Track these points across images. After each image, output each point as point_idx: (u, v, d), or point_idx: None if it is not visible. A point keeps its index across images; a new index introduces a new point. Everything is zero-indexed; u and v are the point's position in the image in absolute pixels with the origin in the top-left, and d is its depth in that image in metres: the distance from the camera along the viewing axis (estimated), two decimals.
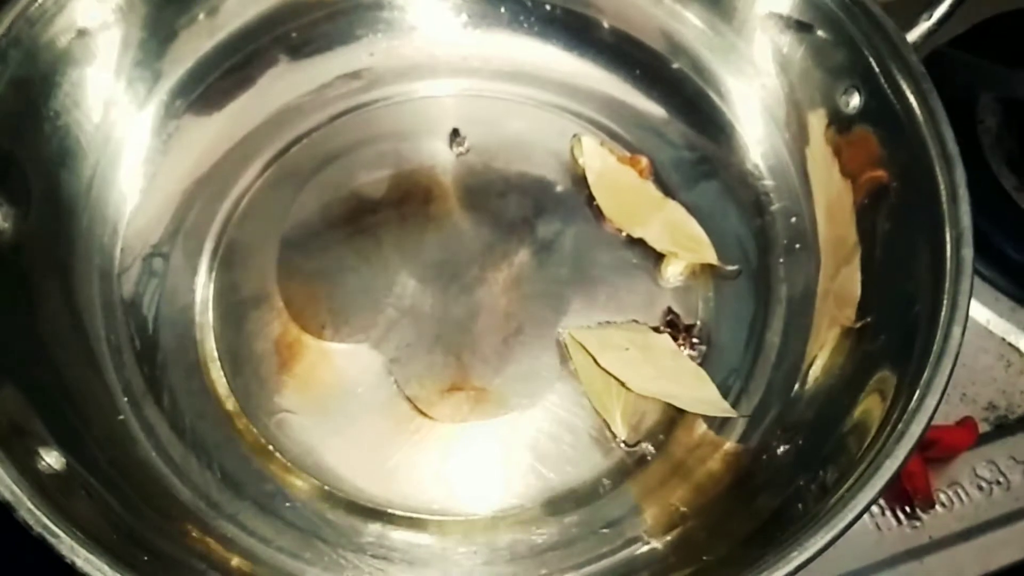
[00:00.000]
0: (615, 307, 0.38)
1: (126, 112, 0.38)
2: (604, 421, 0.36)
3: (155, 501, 0.31)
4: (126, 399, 0.34)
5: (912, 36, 0.35)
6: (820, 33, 0.38)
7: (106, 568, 0.24)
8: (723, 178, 0.41)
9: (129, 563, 0.25)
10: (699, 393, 0.36)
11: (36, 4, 0.34)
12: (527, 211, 0.40)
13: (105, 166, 0.37)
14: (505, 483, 0.35)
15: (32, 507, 0.25)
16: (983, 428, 0.41)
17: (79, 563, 0.24)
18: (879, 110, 0.35)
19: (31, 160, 0.34)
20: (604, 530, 0.34)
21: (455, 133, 0.42)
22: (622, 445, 0.36)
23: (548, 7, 0.43)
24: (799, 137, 0.40)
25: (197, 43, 0.40)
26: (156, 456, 0.33)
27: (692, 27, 0.41)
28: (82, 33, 0.36)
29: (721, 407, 0.36)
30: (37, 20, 0.34)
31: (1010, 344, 0.43)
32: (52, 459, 0.28)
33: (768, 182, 0.41)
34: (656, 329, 0.38)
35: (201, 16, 0.39)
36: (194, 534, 0.31)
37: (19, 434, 0.28)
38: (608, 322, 0.38)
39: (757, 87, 0.41)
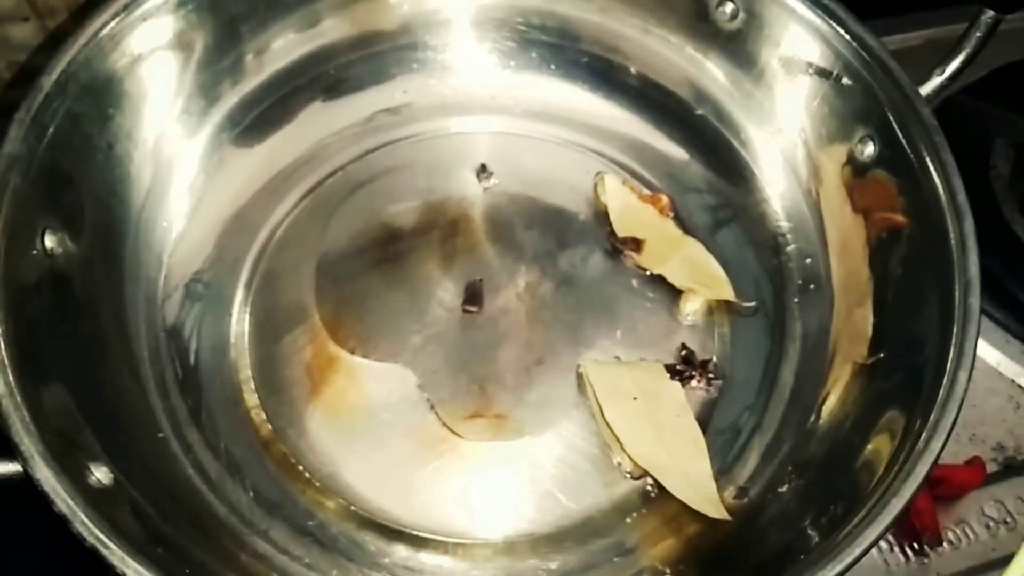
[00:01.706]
0: (632, 341, 0.40)
1: (175, 143, 0.40)
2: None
3: (193, 517, 0.33)
4: (167, 419, 0.36)
5: (925, 90, 0.37)
6: (840, 82, 0.39)
7: None
8: (741, 219, 0.43)
9: (173, 573, 0.26)
10: (692, 472, 0.36)
11: (94, 40, 0.36)
12: (550, 245, 0.42)
13: (153, 195, 0.39)
14: (523, 508, 0.36)
15: (85, 519, 0.26)
16: (991, 468, 0.41)
17: (129, 573, 0.26)
18: (893, 160, 0.37)
19: (85, 188, 0.36)
20: (618, 558, 0.35)
21: (483, 168, 0.44)
22: (627, 476, 0.37)
23: (577, 52, 0.45)
24: (815, 180, 0.41)
25: (244, 81, 0.42)
26: (194, 474, 0.35)
27: (714, 76, 0.43)
28: (137, 68, 0.38)
29: (704, 498, 0.35)
30: (95, 55, 0.36)
31: (1019, 386, 0.44)
32: (101, 474, 0.30)
33: (785, 224, 0.42)
34: (671, 368, 0.39)
35: (249, 56, 0.41)
36: (230, 549, 0.33)
37: (72, 449, 0.29)
38: (623, 359, 0.39)
39: (775, 133, 0.42)
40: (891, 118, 0.37)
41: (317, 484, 0.36)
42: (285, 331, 0.39)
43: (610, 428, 0.37)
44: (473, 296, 0.40)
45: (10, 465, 0.28)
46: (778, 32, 0.41)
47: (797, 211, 0.42)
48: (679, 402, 0.38)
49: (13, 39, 0.44)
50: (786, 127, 0.42)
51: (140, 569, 0.26)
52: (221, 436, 0.36)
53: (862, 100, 0.38)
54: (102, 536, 0.26)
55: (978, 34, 0.36)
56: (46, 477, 0.27)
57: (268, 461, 0.36)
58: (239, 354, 0.38)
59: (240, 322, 0.39)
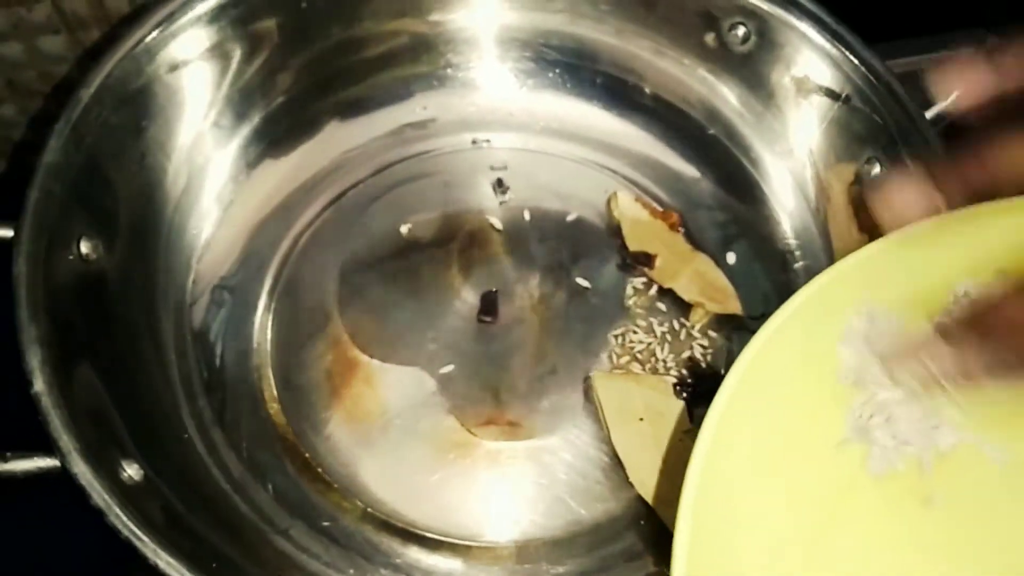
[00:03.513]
0: (642, 353, 0.41)
1: (206, 154, 0.42)
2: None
3: (219, 515, 0.34)
4: (193, 420, 0.37)
5: (930, 113, 0.38)
6: (848, 104, 0.40)
7: (185, 571, 0.27)
8: (750, 236, 0.44)
9: (204, 568, 0.27)
10: None
11: (130, 54, 0.37)
12: (564, 257, 0.43)
13: (184, 203, 0.41)
14: (535, 513, 0.37)
15: (120, 512, 0.28)
16: None
17: (161, 565, 0.27)
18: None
19: (119, 196, 0.37)
20: (626, 563, 0.36)
21: (499, 182, 0.45)
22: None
23: (593, 73, 0.46)
24: (823, 199, 0.42)
25: (273, 95, 0.43)
26: (218, 473, 0.36)
27: (725, 97, 0.45)
28: (171, 81, 0.39)
29: None
30: (131, 68, 0.37)
31: None
32: (133, 471, 0.31)
33: (793, 241, 0.43)
34: (680, 381, 0.40)
35: (279, 72, 0.43)
36: (253, 546, 0.34)
37: (106, 446, 0.31)
38: (633, 372, 0.40)
39: (785, 153, 0.44)
40: (897, 140, 0.38)
41: (335, 486, 0.37)
42: (307, 337, 0.40)
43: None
44: (489, 306, 0.41)
45: (49, 460, 0.29)
46: (788, 55, 0.42)
47: (805, 229, 0.43)
48: (685, 425, 0.38)
49: (45, 51, 0.45)
50: (795, 147, 0.43)
51: (171, 561, 0.27)
52: (244, 438, 0.37)
53: (869, 122, 0.39)
54: (135, 529, 0.27)
55: None
56: (83, 472, 0.28)
57: (288, 463, 0.37)
58: (262, 358, 0.40)
59: (263, 327, 0.40)
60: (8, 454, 0.29)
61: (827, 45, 0.40)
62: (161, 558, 0.27)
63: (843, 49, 0.40)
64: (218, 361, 0.39)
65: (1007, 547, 0.29)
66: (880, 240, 0.29)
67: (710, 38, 0.44)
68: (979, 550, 0.29)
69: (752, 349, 0.28)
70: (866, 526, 0.29)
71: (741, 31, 0.43)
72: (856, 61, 0.39)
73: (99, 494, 0.28)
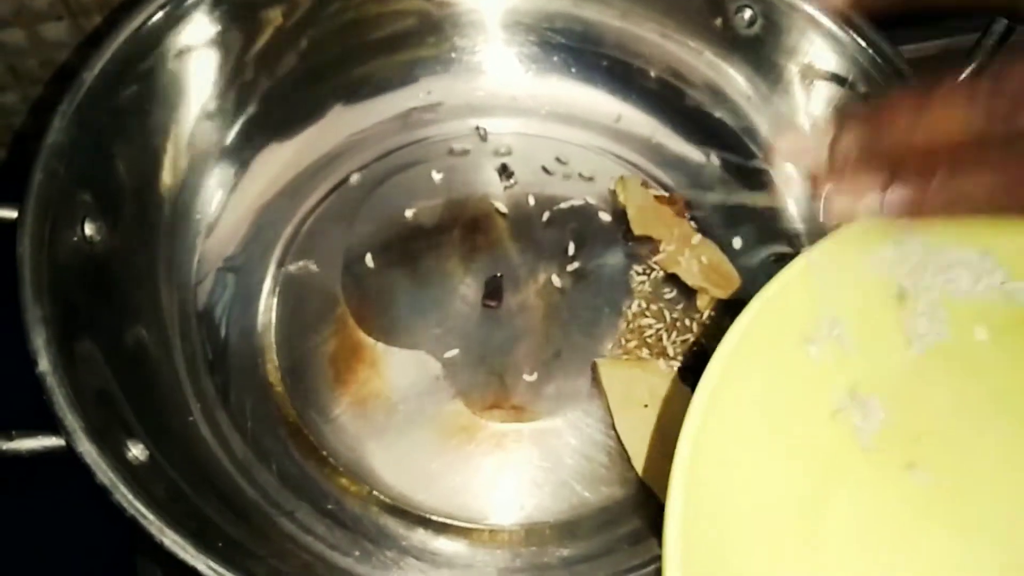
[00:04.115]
0: (647, 339, 0.41)
1: (209, 137, 0.41)
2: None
3: (223, 496, 0.34)
4: (197, 401, 0.37)
5: None
6: (855, 89, 0.40)
7: (191, 548, 0.27)
8: (756, 220, 0.44)
9: (209, 547, 0.27)
10: None
11: (134, 37, 0.37)
12: (569, 243, 0.43)
13: (188, 186, 0.40)
14: (540, 497, 0.37)
15: (125, 491, 0.28)
16: None
17: (167, 543, 0.27)
18: None
19: (123, 179, 0.37)
20: (631, 546, 0.36)
21: (504, 167, 0.45)
22: None
23: (598, 56, 0.46)
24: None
25: (277, 79, 0.43)
26: (223, 455, 0.36)
27: (731, 80, 0.44)
28: (175, 64, 0.39)
29: None
30: (135, 52, 0.37)
31: None
32: (138, 451, 0.31)
33: (799, 225, 0.43)
34: (685, 366, 0.40)
35: (283, 55, 0.43)
36: (259, 527, 0.34)
37: (111, 426, 0.30)
38: (637, 357, 0.40)
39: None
40: None
41: (341, 469, 0.37)
42: (311, 320, 0.40)
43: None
44: (493, 291, 0.41)
45: (54, 439, 0.29)
46: (795, 38, 0.42)
47: (811, 213, 0.43)
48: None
49: (48, 37, 0.45)
50: (802, 131, 0.43)
51: (177, 539, 0.27)
52: (248, 420, 0.37)
53: None
54: (141, 507, 0.27)
55: (991, 42, 0.37)
56: (88, 451, 0.28)
57: (293, 446, 0.37)
58: (266, 341, 0.40)
59: (268, 310, 0.40)
60: (13, 433, 0.29)
61: (835, 28, 0.40)
62: (167, 536, 0.27)
63: (851, 32, 0.40)
64: (223, 343, 0.39)
65: (988, 509, 0.30)
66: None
67: (716, 21, 0.43)
68: (962, 512, 0.29)
69: (743, 321, 0.28)
70: (856, 494, 0.29)
71: (748, 14, 0.42)
72: (864, 44, 0.39)
73: (104, 472, 0.28)
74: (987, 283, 0.31)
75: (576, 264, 0.42)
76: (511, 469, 0.37)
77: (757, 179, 0.44)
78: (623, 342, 0.41)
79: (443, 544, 0.36)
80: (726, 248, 0.43)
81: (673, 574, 0.24)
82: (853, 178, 0.24)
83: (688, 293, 0.42)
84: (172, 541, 0.27)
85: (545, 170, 0.45)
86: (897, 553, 0.29)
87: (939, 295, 0.31)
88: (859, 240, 0.30)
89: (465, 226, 0.43)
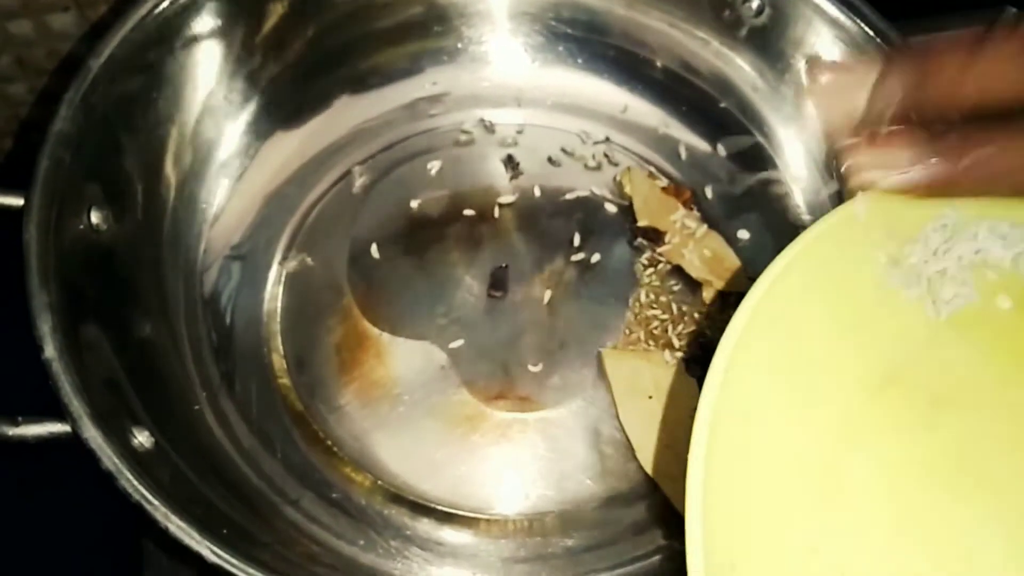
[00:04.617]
0: (652, 330, 0.40)
1: (216, 126, 0.41)
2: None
3: (229, 484, 0.34)
4: (203, 389, 0.37)
5: None
6: None
7: (196, 534, 0.27)
8: (763, 211, 0.44)
9: (214, 533, 0.27)
10: None
11: (141, 25, 0.37)
12: (574, 234, 0.43)
13: (194, 174, 0.40)
14: (544, 487, 0.37)
15: (131, 477, 0.28)
16: None
17: (172, 529, 0.27)
18: None
19: (129, 167, 0.37)
20: (635, 536, 0.36)
21: (510, 158, 0.45)
22: None
23: (604, 46, 0.46)
24: (836, 175, 0.42)
25: (283, 68, 0.43)
26: (228, 443, 0.36)
27: (738, 70, 0.44)
28: (181, 53, 0.39)
29: None
30: (141, 40, 0.37)
31: None
32: (143, 438, 0.31)
33: (807, 217, 0.43)
34: (689, 357, 0.40)
35: (289, 44, 0.43)
36: (264, 515, 0.34)
37: (116, 413, 0.31)
38: (643, 348, 0.40)
39: (798, 128, 0.43)
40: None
41: (345, 458, 0.37)
42: (317, 310, 0.40)
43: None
44: (498, 282, 0.41)
45: (60, 425, 0.29)
46: (803, 28, 0.42)
47: (819, 203, 0.43)
48: (694, 400, 0.39)
49: (54, 28, 0.45)
50: (809, 121, 0.43)
51: (183, 525, 0.27)
52: (253, 408, 0.37)
53: None
54: (146, 492, 0.27)
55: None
56: (93, 437, 0.28)
57: (298, 434, 0.37)
58: (272, 329, 0.40)
59: (273, 299, 0.40)
60: (20, 419, 0.29)
61: (843, 17, 0.40)
62: (172, 522, 0.27)
63: (859, 21, 0.39)
64: (228, 331, 0.39)
65: (1002, 475, 0.29)
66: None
67: (724, 10, 0.43)
68: (975, 477, 0.29)
69: (766, 279, 0.29)
70: (874, 458, 0.29)
71: (755, 3, 0.42)
72: (872, 33, 0.39)
73: (109, 458, 0.28)
74: (1016, 252, 0.31)
75: (582, 255, 0.42)
76: (516, 459, 0.38)
77: (763, 169, 0.44)
78: (628, 333, 0.40)
79: (447, 533, 0.36)
80: (732, 240, 0.43)
81: (694, 546, 0.25)
82: (886, 145, 0.23)
83: (694, 285, 0.42)
84: (177, 527, 0.27)
85: (551, 161, 0.45)
86: (912, 517, 0.29)
87: (964, 263, 0.31)
88: (870, 214, 0.30)
89: (471, 217, 0.43)
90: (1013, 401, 0.30)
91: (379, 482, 0.37)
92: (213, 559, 0.27)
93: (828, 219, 0.31)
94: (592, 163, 0.45)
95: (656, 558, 0.35)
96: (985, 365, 0.31)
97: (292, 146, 0.44)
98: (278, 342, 0.39)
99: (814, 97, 0.26)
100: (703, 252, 0.42)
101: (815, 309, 0.30)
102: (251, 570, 0.28)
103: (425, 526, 0.36)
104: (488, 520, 0.37)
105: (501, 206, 0.43)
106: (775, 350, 0.29)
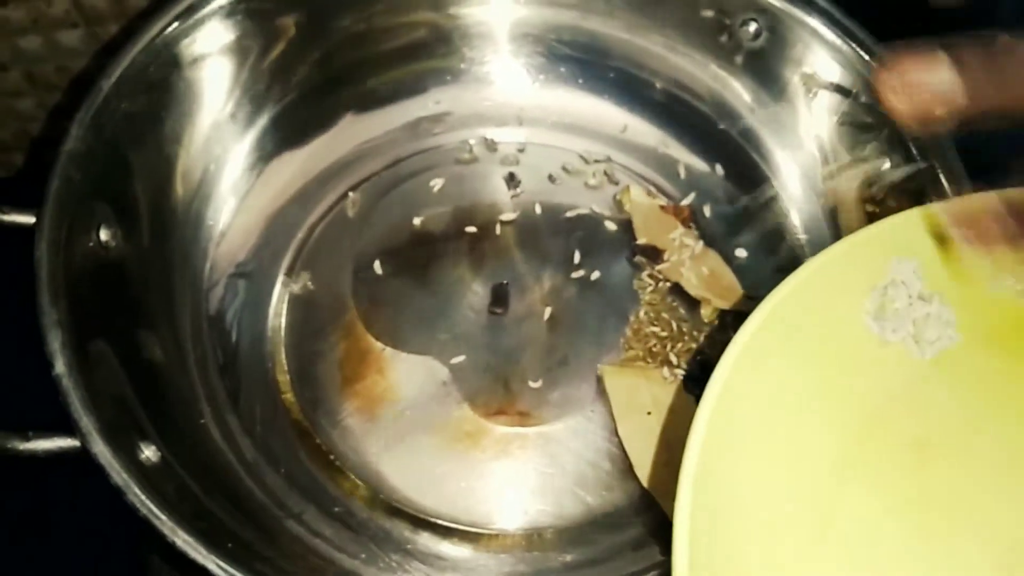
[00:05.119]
0: (651, 348, 0.41)
1: (223, 145, 0.42)
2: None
3: (233, 498, 0.35)
4: (208, 405, 0.37)
5: None
6: (858, 100, 0.41)
7: (202, 548, 0.27)
8: (760, 231, 0.44)
9: (219, 547, 0.28)
10: None
11: (150, 45, 0.38)
12: (575, 251, 0.43)
13: (201, 193, 0.41)
14: (544, 503, 0.37)
15: (138, 491, 0.28)
16: None
17: (179, 543, 0.27)
18: (907, 178, 0.38)
19: (138, 185, 0.38)
20: (634, 551, 0.37)
21: (511, 176, 0.45)
22: None
23: (605, 68, 0.47)
24: (832, 195, 0.43)
25: (290, 88, 0.44)
26: (232, 458, 0.36)
27: (736, 92, 0.45)
28: (190, 73, 0.40)
29: None
30: (151, 60, 0.38)
31: None
32: (150, 452, 0.31)
33: (803, 236, 0.44)
34: (688, 381, 0.40)
35: (295, 65, 0.44)
36: (267, 529, 0.34)
37: (124, 428, 0.31)
38: (642, 365, 0.40)
39: (795, 148, 0.44)
40: (905, 136, 0.38)
41: (348, 472, 0.38)
42: (320, 325, 0.41)
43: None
44: (499, 298, 0.42)
45: (69, 440, 0.29)
46: (800, 51, 0.42)
47: (815, 224, 0.43)
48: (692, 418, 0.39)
49: (63, 44, 0.46)
50: (806, 142, 0.44)
51: (189, 539, 0.28)
52: (258, 423, 0.38)
53: (879, 118, 0.40)
54: (154, 507, 0.28)
55: None
56: (102, 451, 0.29)
57: (301, 449, 0.38)
58: (276, 345, 0.40)
59: (278, 315, 0.41)
60: (30, 433, 0.29)
61: (839, 41, 0.41)
62: (179, 536, 0.28)
63: (854, 45, 0.40)
64: (233, 347, 0.40)
65: (990, 511, 0.30)
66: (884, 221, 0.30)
67: (722, 34, 0.44)
68: (964, 513, 0.30)
69: (751, 323, 0.29)
70: (863, 496, 0.30)
71: (753, 27, 0.43)
72: (867, 57, 0.40)
73: (118, 473, 0.28)
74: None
75: (582, 272, 0.43)
76: (516, 474, 0.38)
77: (761, 189, 0.45)
78: (628, 349, 0.41)
79: (448, 548, 0.37)
80: (729, 258, 0.43)
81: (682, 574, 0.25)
82: (987, 227, 0.23)
83: (693, 303, 0.42)
84: (184, 541, 0.28)
85: (552, 179, 0.46)
86: (899, 554, 0.29)
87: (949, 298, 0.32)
88: (870, 248, 0.31)
89: (472, 234, 0.44)
90: (996, 439, 0.31)
91: (380, 496, 0.37)
92: (219, 573, 0.28)
93: (827, 253, 0.31)
94: (592, 181, 0.46)
95: (654, 574, 0.35)
96: (970, 403, 0.31)
97: (297, 165, 0.44)
98: (282, 358, 0.40)
99: (885, 94, 0.25)
100: (701, 270, 0.43)
101: (806, 345, 0.31)
102: None
103: (425, 540, 0.37)
104: (488, 535, 0.37)
105: (502, 223, 0.44)
106: (768, 382, 0.30)
